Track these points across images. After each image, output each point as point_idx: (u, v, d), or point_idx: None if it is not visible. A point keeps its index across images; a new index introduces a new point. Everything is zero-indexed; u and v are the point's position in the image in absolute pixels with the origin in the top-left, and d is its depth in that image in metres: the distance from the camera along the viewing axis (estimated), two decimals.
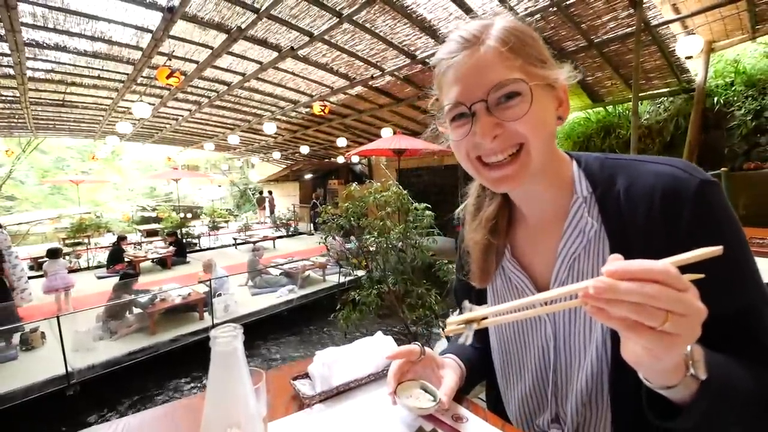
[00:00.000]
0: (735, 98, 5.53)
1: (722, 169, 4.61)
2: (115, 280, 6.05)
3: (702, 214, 0.53)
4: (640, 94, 5.26)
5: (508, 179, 0.59)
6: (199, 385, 4.67)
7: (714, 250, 0.37)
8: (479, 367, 0.84)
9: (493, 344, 0.82)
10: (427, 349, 0.78)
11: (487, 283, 0.79)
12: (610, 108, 7.09)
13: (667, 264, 0.37)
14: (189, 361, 4.82)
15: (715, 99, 5.67)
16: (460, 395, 0.76)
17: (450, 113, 0.60)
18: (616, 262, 0.38)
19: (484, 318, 0.53)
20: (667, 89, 6.22)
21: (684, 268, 0.38)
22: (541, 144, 0.57)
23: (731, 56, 5.86)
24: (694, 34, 4.99)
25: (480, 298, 0.82)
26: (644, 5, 4.60)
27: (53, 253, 5.95)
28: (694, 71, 5.89)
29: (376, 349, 0.87)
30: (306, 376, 0.83)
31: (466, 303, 0.74)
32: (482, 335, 0.85)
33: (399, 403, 0.69)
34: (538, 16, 4.89)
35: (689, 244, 0.53)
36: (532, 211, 0.70)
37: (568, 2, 4.60)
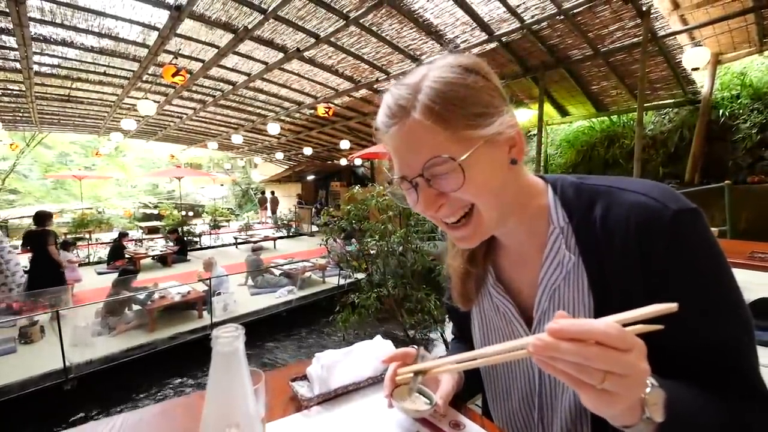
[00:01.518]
0: (740, 111, 5.53)
1: (726, 181, 4.59)
2: (115, 276, 6.07)
3: (676, 247, 0.52)
4: (645, 105, 5.25)
5: (465, 240, 0.61)
6: (197, 382, 4.66)
7: (669, 307, 0.37)
8: (479, 375, 0.84)
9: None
10: (424, 351, 0.78)
11: (470, 307, 0.79)
12: (614, 117, 7.10)
13: (611, 323, 0.37)
14: (187, 359, 4.81)
15: (721, 111, 5.67)
16: (459, 402, 0.76)
17: (398, 183, 0.60)
18: (560, 320, 0.39)
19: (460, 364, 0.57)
20: (673, 100, 6.23)
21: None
22: (490, 202, 0.57)
23: (738, 69, 5.87)
24: (701, 45, 4.99)
25: (467, 317, 0.82)
26: (651, 16, 4.62)
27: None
28: (700, 83, 5.90)
29: (375, 352, 0.86)
30: (304, 377, 0.83)
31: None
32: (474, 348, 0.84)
33: (395, 405, 0.68)
34: (544, 24, 4.91)
35: (664, 277, 0.52)
36: (510, 242, 0.70)
37: (575, 11, 4.62)
